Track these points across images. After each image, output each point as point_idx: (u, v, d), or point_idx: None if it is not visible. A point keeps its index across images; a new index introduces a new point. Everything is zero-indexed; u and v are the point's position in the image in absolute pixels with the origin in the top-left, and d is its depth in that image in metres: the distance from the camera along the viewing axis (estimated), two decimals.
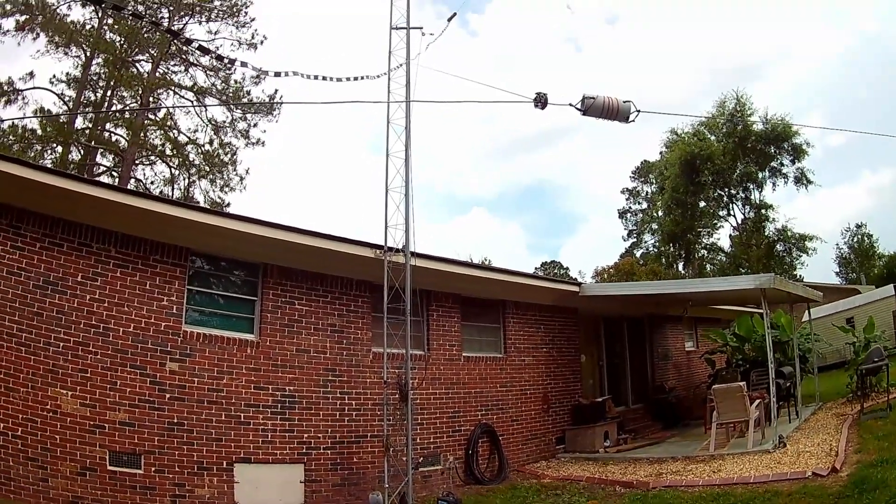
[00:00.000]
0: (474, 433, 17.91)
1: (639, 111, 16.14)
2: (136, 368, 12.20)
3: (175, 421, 12.48)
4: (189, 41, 36.25)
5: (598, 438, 20.17)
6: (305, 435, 14.42)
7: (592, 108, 15.46)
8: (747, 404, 17.12)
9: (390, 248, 14.84)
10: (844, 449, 14.02)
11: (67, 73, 41.43)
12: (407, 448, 13.90)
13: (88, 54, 40.97)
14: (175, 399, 12.58)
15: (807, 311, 25.21)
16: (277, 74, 15.72)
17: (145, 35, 41.36)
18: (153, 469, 12.07)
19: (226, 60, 18.94)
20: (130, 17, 37.90)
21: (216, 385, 13.24)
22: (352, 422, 15.33)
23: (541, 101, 15.55)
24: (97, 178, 32.52)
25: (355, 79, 16.16)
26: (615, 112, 15.76)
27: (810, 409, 21.28)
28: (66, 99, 41.20)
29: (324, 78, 15.89)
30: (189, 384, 12.86)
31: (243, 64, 16.06)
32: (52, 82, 40.80)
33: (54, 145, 39.41)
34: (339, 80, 16.10)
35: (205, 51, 30.68)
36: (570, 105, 15.56)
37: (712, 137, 58.85)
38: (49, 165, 30.47)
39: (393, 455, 14.28)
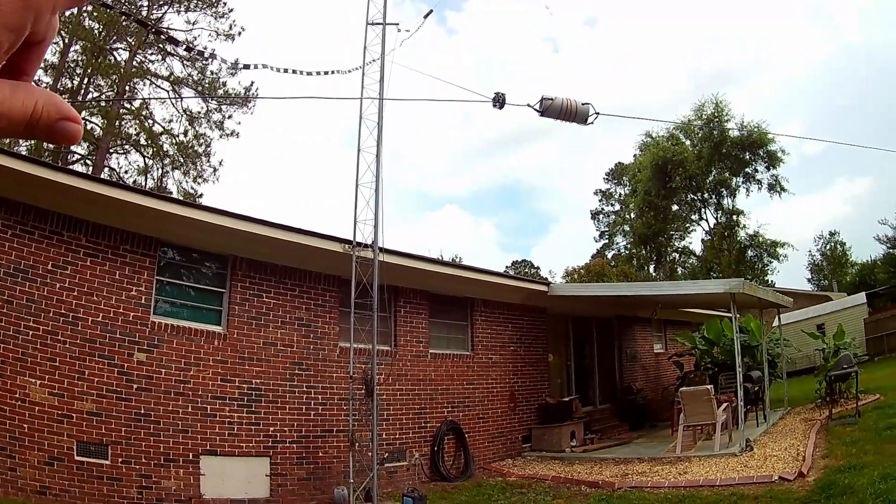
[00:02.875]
0: (440, 430, 17.89)
1: (598, 114, 16.10)
2: (105, 358, 12.15)
3: (142, 412, 12.43)
4: (159, 32, 36.17)
5: (564, 438, 20.18)
6: (271, 428, 14.40)
7: (550, 109, 15.40)
8: (715, 407, 17.19)
9: (359, 244, 14.81)
10: (812, 454, 14.12)
11: (45, 60, 41.00)
12: (372, 444, 13.89)
13: (66, 41, 40.74)
14: (142, 390, 12.54)
15: (777, 317, 25.29)
16: (247, 67, 15.74)
17: (124, 23, 41.22)
18: (120, 460, 12.03)
19: (195, 51, 18.90)
20: (103, 6, 37.81)
21: (183, 377, 13.20)
22: (318, 416, 15.32)
23: (499, 101, 15.51)
24: (70, 167, 32.29)
25: (326, 73, 16.14)
26: (573, 114, 15.71)
27: (778, 414, 21.36)
28: (43, 85, 40.86)
29: (294, 71, 15.87)
30: (156, 375, 12.82)
31: (212, 55, 16.00)
32: None
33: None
34: (308, 73, 16.10)
35: (174, 41, 30.58)
36: (528, 106, 15.50)
37: (687, 142, 58.91)
38: (23, 153, 30.37)
39: (358, 450, 14.30)
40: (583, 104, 15.71)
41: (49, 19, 0.73)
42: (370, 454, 14.02)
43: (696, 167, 56.74)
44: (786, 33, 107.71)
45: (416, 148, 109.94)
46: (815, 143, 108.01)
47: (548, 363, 23.12)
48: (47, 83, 40.68)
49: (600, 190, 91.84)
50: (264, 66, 15.71)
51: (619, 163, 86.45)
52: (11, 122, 0.73)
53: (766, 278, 55.61)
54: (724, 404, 17.61)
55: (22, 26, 0.68)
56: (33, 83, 0.77)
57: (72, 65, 41.75)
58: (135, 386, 12.44)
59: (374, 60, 15.37)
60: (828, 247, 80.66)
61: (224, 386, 13.77)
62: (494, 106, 15.55)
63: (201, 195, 44.08)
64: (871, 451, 13.27)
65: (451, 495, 15.14)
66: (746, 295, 18.98)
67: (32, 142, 38.89)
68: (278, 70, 15.78)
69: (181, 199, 28.79)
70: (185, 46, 27.38)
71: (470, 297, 20.34)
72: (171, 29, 40.93)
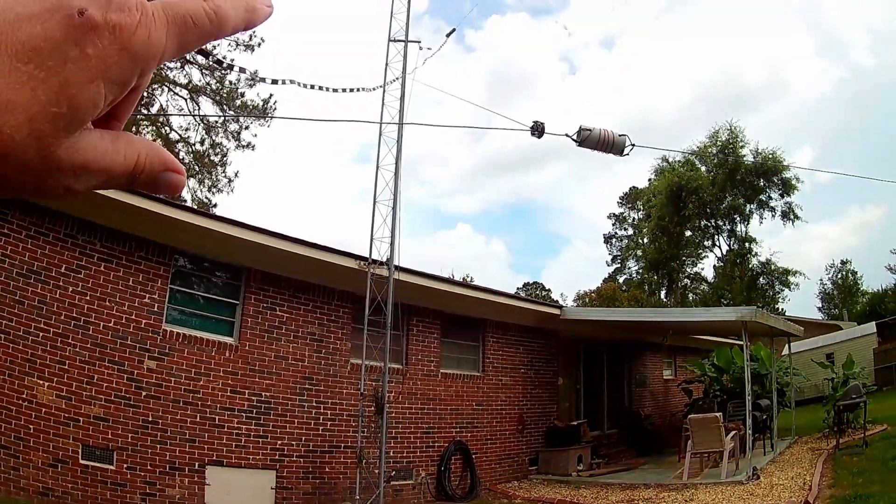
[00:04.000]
0: (448, 450, 17.85)
1: (633, 145, 16.18)
2: (115, 364, 12.14)
3: (150, 419, 12.41)
4: (208, 54, 36.21)
5: (571, 462, 20.11)
6: (279, 441, 14.37)
7: (588, 139, 15.46)
8: (723, 435, 17.13)
9: (374, 261, 14.83)
10: (818, 483, 14.09)
11: None
12: (380, 461, 13.90)
13: None
14: (151, 397, 12.51)
15: (787, 345, 25.25)
16: (275, 82, 15.68)
17: None
18: (125, 466, 12.00)
19: (225, 64, 18.93)
20: None
21: (193, 386, 13.17)
22: (326, 431, 15.28)
23: (538, 130, 15.55)
24: None
25: (352, 90, 16.18)
26: (610, 145, 15.78)
27: (786, 443, 21.32)
28: None
29: (320, 88, 15.89)
30: (166, 383, 12.80)
31: (242, 70, 16.06)
32: None
33: None
34: (335, 90, 16.13)
35: (205, 54, 30.68)
36: (567, 136, 15.55)
37: (703, 168, 58.81)
38: None
39: (365, 467, 14.27)
40: (619, 135, 15.79)
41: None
42: (377, 471, 14.03)
43: (710, 193, 56.61)
44: (796, 57, 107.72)
45: (427, 164, 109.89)
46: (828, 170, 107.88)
47: (557, 386, 23.07)
48: None
49: (614, 214, 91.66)
50: (292, 82, 15.74)
51: (634, 187, 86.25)
52: (112, 176, 0.71)
53: (776, 306, 55.42)
54: (732, 432, 17.52)
55: (128, 80, 0.68)
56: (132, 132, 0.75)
57: None
58: (143, 393, 12.42)
59: (395, 79, 15.43)
60: (839, 275, 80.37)
61: (233, 397, 13.77)
62: (533, 134, 15.59)
63: (215, 205, 44.19)
64: (877, 481, 13.27)
65: None
66: (758, 323, 18.96)
67: None
68: (305, 86, 15.80)
69: (198, 208, 28.82)
70: (214, 59, 27.45)
71: (482, 318, 20.28)
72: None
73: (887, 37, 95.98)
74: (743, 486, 15.15)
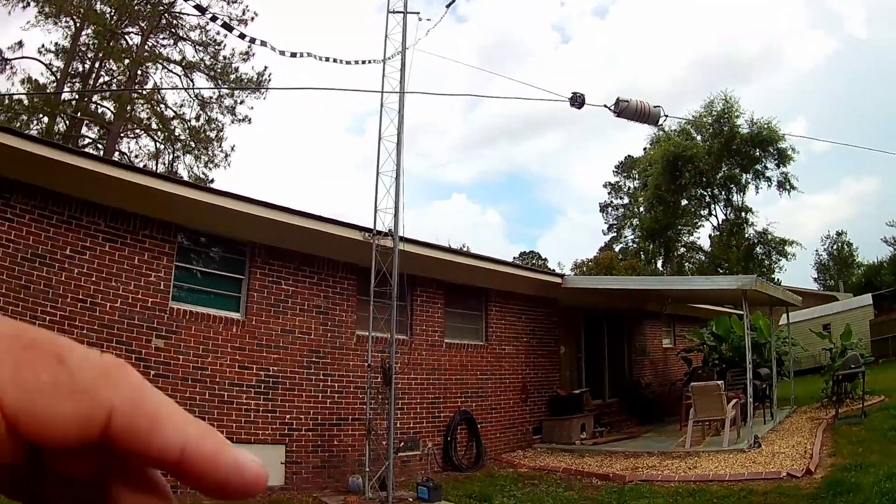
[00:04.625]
0: (454, 420, 18.01)
1: (667, 116, 16.44)
2: (122, 344, 12.20)
3: None
4: (202, 9, 36.12)
5: (574, 430, 20.29)
6: (287, 416, 14.50)
7: (626, 110, 15.65)
8: (724, 403, 17.28)
9: (379, 232, 14.91)
10: (819, 452, 14.26)
11: (56, 44, 41.00)
12: (389, 433, 13.99)
13: (78, 25, 40.70)
14: (160, 376, 12.57)
15: (785, 315, 25.39)
16: (293, 55, 15.75)
17: (136, 7, 41.24)
18: None
19: (248, 38, 19.01)
20: None
21: (201, 363, 13.30)
22: (334, 404, 15.41)
23: (577, 101, 15.66)
24: (84, 150, 32.39)
25: (363, 62, 16.31)
26: (647, 115, 15.99)
27: (785, 412, 21.52)
28: (55, 69, 40.91)
29: (334, 61, 16.04)
30: (174, 361, 12.92)
31: (263, 43, 16.09)
32: (41, 52, 40.57)
33: (40, 116, 39.18)
34: (347, 62, 16.29)
35: (228, 28, 30.81)
36: (605, 106, 15.72)
37: (698, 137, 58.78)
38: (36, 135, 30.33)
39: (374, 439, 14.40)
40: (654, 107, 15.97)
41: None
42: (385, 443, 14.17)
43: (706, 163, 56.64)
44: (790, 28, 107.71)
45: (423, 134, 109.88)
46: (822, 142, 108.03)
47: (559, 355, 23.23)
48: (59, 67, 40.79)
49: (610, 183, 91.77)
50: (309, 55, 15.85)
51: (630, 156, 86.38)
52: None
53: (773, 276, 55.47)
54: (734, 400, 17.69)
55: None
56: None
57: (83, 49, 41.73)
58: (152, 372, 12.46)
59: (396, 53, 15.52)
60: (835, 247, 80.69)
61: (241, 373, 13.89)
62: (573, 105, 15.70)
63: (212, 181, 44.23)
64: (877, 451, 13.44)
65: (463, 485, 15.23)
66: (758, 292, 19.04)
67: (43, 125, 39.04)
68: (320, 59, 15.94)
69: (201, 184, 28.87)
70: (240, 34, 27.43)
71: (484, 288, 20.45)
72: (182, 13, 41.13)
73: (881, 9, 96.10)
74: (745, 453, 15.31)
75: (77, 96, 41.67)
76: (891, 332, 35.20)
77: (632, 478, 14.45)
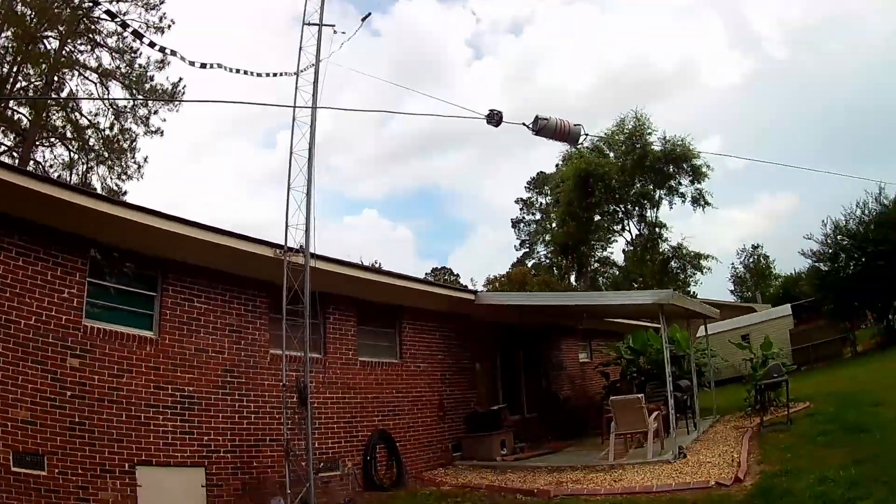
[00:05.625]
0: (372, 439, 17.74)
1: (587, 134, 16.30)
2: (38, 364, 11.60)
3: (77, 420, 11.92)
4: (113, 14, 35.66)
5: (495, 447, 20.14)
6: (205, 437, 14.03)
7: (545, 129, 15.40)
8: (646, 415, 17.27)
9: (290, 249, 14.66)
10: (746, 460, 14.28)
11: None
12: (308, 453, 13.71)
13: None
14: (76, 397, 12.01)
15: (703, 327, 25.56)
16: (203, 66, 15.37)
17: (55, 10, 40.69)
18: (56, 470, 11.49)
19: (157, 46, 18.52)
20: None
21: (117, 384, 12.71)
22: (251, 425, 15.02)
23: (494, 119, 15.40)
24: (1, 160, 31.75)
25: (275, 75, 16.07)
26: (566, 134, 15.80)
27: (708, 422, 21.69)
28: None
29: (245, 73, 15.71)
30: (90, 382, 12.31)
31: (173, 52, 15.70)
32: None
33: None
34: (258, 74, 15.95)
35: (139, 36, 30.45)
36: (524, 125, 15.47)
37: (611, 154, 59.38)
38: None
39: (293, 460, 14.07)
40: (575, 125, 15.76)
41: None
42: (304, 464, 13.85)
43: (619, 180, 57.26)
44: (707, 48, 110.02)
45: (333, 148, 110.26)
46: (738, 159, 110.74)
47: (475, 372, 23.11)
48: None
49: (522, 199, 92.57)
50: (219, 66, 15.49)
51: (542, 172, 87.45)
52: None
53: (688, 290, 56.16)
54: (655, 413, 17.66)
55: None
56: None
57: (1, 52, 41.07)
58: (69, 393, 11.89)
59: (310, 65, 15.25)
60: (751, 259, 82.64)
61: (157, 393, 13.33)
62: (490, 123, 15.40)
63: (125, 192, 44.09)
64: (805, 456, 13.44)
65: None
66: (675, 306, 19.18)
67: None
68: (231, 70, 15.58)
69: (113, 197, 28.30)
70: (149, 42, 27.00)
71: (398, 305, 20.29)
72: (100, 18, 40.71)
73: (799, 32, 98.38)
74: (671, 464, 15.22)
75: None
76: (811, 340, 36.34)
77: (557, 492, 14.28)
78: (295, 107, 15.11)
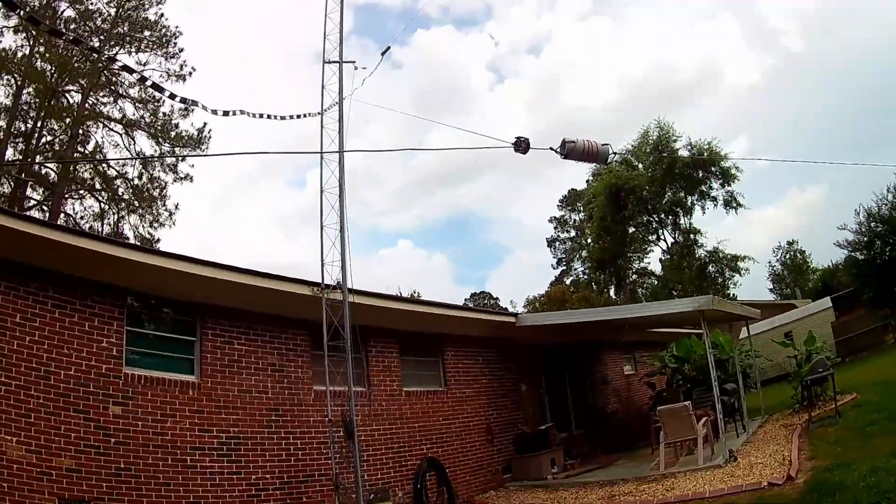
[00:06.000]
0: (421, 467, 17.64)
1: (615, 153, 16.27)
2: (80, 413, 11.68)
3: (122, 466, 11.98)
4: (143, 78, 35.97)
5: (544, 465, 20.11)
6: (253, 477, 14.05)
7: (573, 151, 15.42)
8: (694, 422, 17.16)
9: (328, 286, 14.68)
10: (797, 457, 14.11)
11: None
12: (357, 486, 13.66)
13: (19, 84, 40.40)
14: (120, 444, 12.07)
15: (745, 329, 25.42)
16: (226, 114, 15.46)
17: (76, 64, 41.00)
18: None
19: (178, 97, 18.84)
20: (71, 43, 37.67)
21: (160, 428, 12.77)
22: (298, 461, 15.02)
23: (522, 146, 15.41)
24: (30, 214, 31.96)
25: (299, 116, 16.09)
26: (595, 154, 15.79)
27: (757, 423, 21.58)
28: None
29: (268, 117, 15.81)
30: (133, 428, 12.37)
31: (194, 103, 15.78)
32: None
33: None
34: (282, 118, 16.03)
35: (159, 89, 30.66)
36: (551, 149, 15.49)
37: (640, 166, 59.24)
38: None
39: (343, 493, 14.06)
40: (602, 145, 15.76)
41: None
42: (354, 496, 13.83)
43: (650, 191, 57.12)
44: (726, 48, 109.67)
45: (362, 183, 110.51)
46: (766, 156, 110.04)
47: (521, 393, 23.05)
48: (1, 126, 40.44)
49: (555, 217, 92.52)
50: (242, 112, 15.58)
51: (573, 189, 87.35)
52: None
53: (728, 292, 55.85)
54: (703, 419, 17.54)
55: None
56: None
57: (24, 107, 41.36)
58: (112, 440, 11.97)
59: (334, 104, 15.29)
60: (787, 256, 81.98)
61: (202, 436, 13.39)
62: (517, 151, 15.43)
63: (158, 240, 44.25)
64: (855, 448, 13.34)
65: None
66: (715, 310, 19.15)
67: None
68: (253, 115, 15.67)
69: (147, 246, 28.51)
70: (170, 94, 27.32)
71: (439, 333, 20.30)
72: (122, 70, 41.08)
73: (814, 20, 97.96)
74: (722, 469, 15.10)
75: (20, 156, 41.33)
76: (853, 331, 35.92)
77: None
78: (322, 152, 15.15)
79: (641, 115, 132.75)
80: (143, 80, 35.28)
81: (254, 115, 15.76)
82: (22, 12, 28.90)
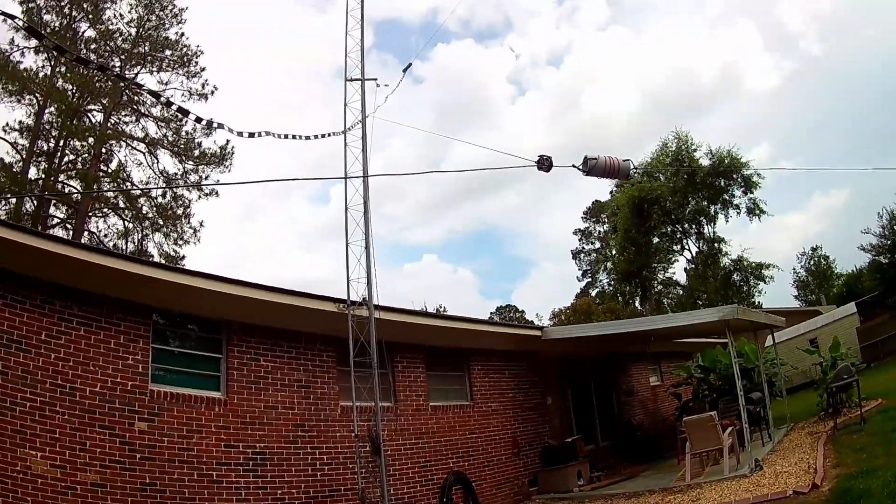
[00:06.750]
0: (447, 481, 17.69)
1: (636, 169, 16.30)
2: (105, 428, 11.76)
3: (147, 482, 12.04)
4: (169, 103, 36.23)
5: (571, 478, 20.11)
6: (279, 491, 14.09)
7: (595, 168, 15.43)
8: (720, 432, 17.11)
9: (353, 302, 14.76)
10: (822, 465, 14.05)
11: (20, 122, 41.27)
12: (383, 500, 13.74)
13: (41, 104, 40.66)
14: (146, 459, 12.14)
15: (770, 337, 25.36)
16: (251, 135, 15.57)
17: (97, 84, 41.20)
18: None
19: (203, 121, 18.94)
20: (94, 68, 37.87)
21: (186, 444, 12.83)
22: (325, 476, 15.04)
23: (545, 164, 15.45)
24: (55, 234, 32.15)
25: (323, 136, 16.18)
26: (616, 171, 15.81)
27: (783, 431, 21.49)
28: (20, 147, 40.89)
29: (293, 137, 15.90)
30: (159, 444, 12.43)
31: (220, 125, 15.94)
32: (5, 130, 40.77)
33: (8, 196, 38.92)
34: (306, 138, 16.12)
35: (184, 112, 30.91)
36: (574, 166, 15.52)
37: (662, 177, 59.15)
38: (2, 218, 30.08)
39: None
40: (623, 160, 15.80)
41: None
42: None
43: (673, 201, 57.02)
44: (745, 55, 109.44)
45: (386, 197, 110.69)
46: (788, 161, 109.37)
47: (547, 406, 23.04)
48: (24, 145, 40.68)
49: (579, 229, 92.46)
50: (267, 134, 15.70)
51: (597, 201, 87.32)
52: None
53: (752, 300, 55.65)
54: (729, 428, 17.53)
55: None
56: None
57: (47, 127, 41.54)
58: (138, 456, 12.05)
59: (357, 122, 15.36)
60: (811, 262, 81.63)
61: (228, 451, 13.47)
62: (540, 169, 15.47)
63: (183, 257, 44.39)
64: (881, 454, 13.28)
65: None
66: (740, 320, 19.10)
67: (11, 206, 38.77)
68: (279, 136, 15.79)
69: (171, 264, 28.60)
70: (197, 118, 27.38)
71: (465, 347, 20.28)
72: (143, 89, 41.28)
73: (832, 24, 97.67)
74: (748, 478, 15.05)
75: (43, 176, 41.54)
76: (878, 335, 35.60)
77: None
78: (346, 178, 15.23)
79: (663, 122, 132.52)
80: (168, 104, 35.51)
81: (278, 136, 15.88)
82: (48, 42, 29.12)
